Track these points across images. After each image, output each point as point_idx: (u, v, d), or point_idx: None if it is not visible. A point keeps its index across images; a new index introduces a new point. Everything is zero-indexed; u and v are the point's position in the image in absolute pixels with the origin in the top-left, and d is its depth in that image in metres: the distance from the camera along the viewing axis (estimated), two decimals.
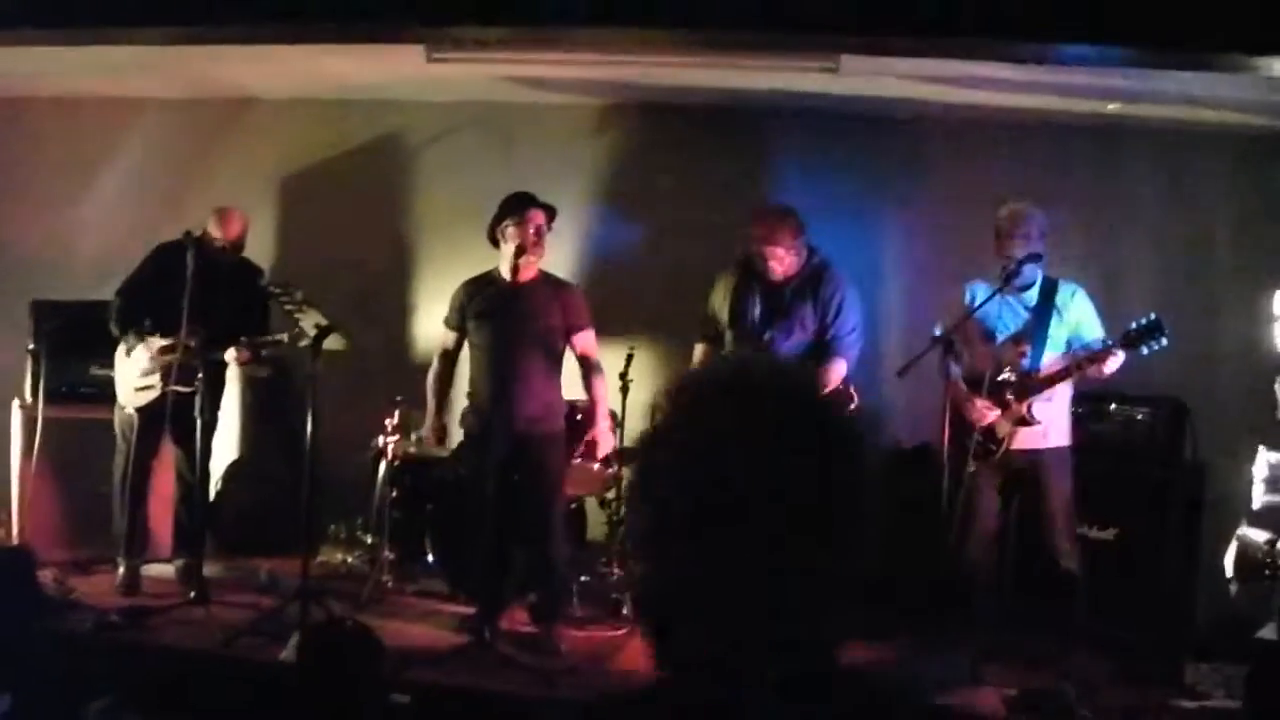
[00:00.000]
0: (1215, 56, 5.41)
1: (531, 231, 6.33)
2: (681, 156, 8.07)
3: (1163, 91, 6.48)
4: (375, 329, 8.00)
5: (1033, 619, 6.58)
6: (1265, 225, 6.98)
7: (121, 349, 6.96)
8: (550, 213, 6.44)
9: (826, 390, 6.29)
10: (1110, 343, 5.84)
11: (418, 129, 8.43)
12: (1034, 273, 6.12)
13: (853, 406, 6.27)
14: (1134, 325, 5.73)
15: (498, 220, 6.43)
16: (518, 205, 6.40)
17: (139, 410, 6.90)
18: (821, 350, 6.51)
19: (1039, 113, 7.30)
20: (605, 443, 6.68)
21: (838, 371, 6.46)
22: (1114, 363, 5.84)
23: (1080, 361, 5.90)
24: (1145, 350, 5.71)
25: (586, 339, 6.62)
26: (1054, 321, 6.06)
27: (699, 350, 6.92)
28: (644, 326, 7.81)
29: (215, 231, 6.95)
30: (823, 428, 1.78)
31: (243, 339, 6.77)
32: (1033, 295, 6.14)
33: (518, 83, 7.68)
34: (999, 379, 6.08)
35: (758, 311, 6.61)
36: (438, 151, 8.40)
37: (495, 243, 6.46)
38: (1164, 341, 5.67)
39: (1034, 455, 6.11)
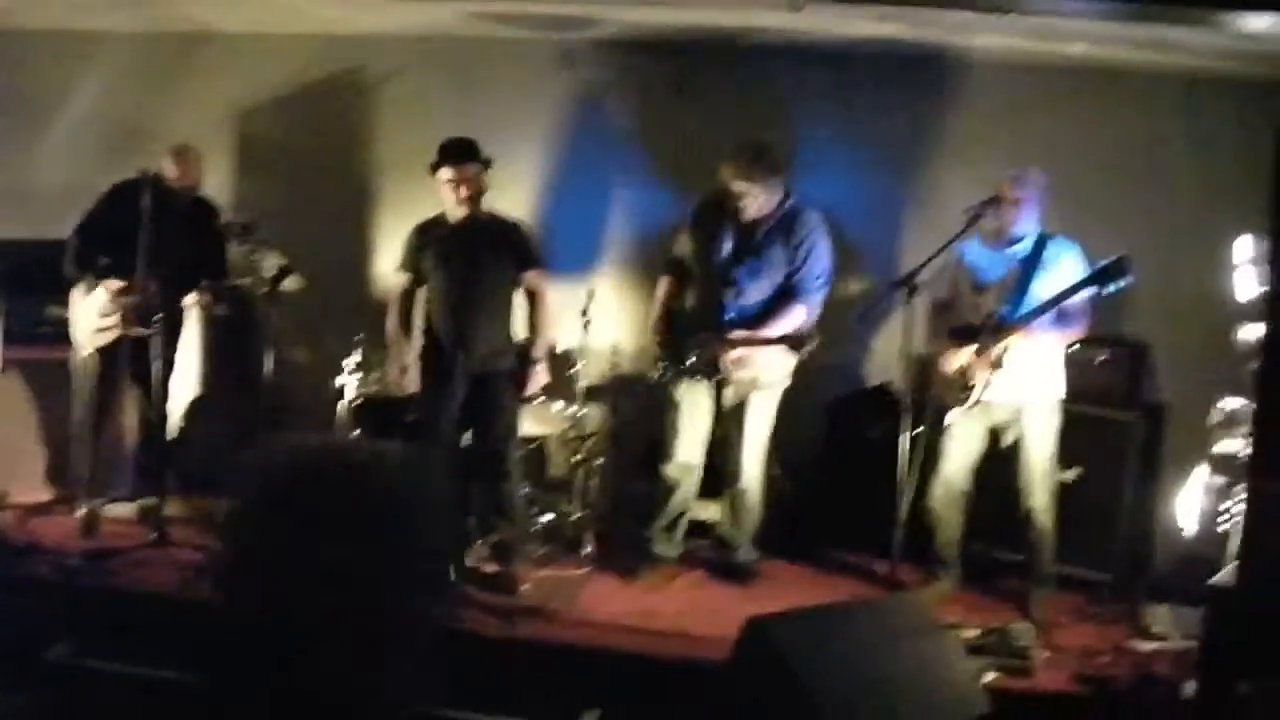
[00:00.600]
0: (1184, 11, 5.40)
1: (460, 179, 6.36)
2: (646, 94, 7.99)
3: (1129, 35, 6.45)
4: (335, 266, 7.94)
5: (999, 562, 6.69)
6: (1229, 170, 6.97)
7: (78, 290, 6.88)
8: (479, 158, 6.42)
9: (783, 333, 6.31)
10: (1078, 283, 5.86)
11: (377, 64, 8.30)
12: (1028, 226, 6.14)
13: (810, 346, 6.22)
14: (1099, 264, 5.77)
15: (432, 166, 6.46)
16: (444, 152, 6.44)
17: (98, 351, 6.85)
18: (785, 293, 6.47)
19: (1000, 52, 7.26)
20: (535, 382, 6.64)
21: (795, 317, 6.42)
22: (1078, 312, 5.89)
23: (1050, 302, 5.90)
24: (1111, 288, 5.73)
25: (537, 276, 6.62)
26: (1040, 275, 6.06)
27: (662, 284, 6.88)
28: (605, 264, 7.78)
29: (170, 170, 6.84)
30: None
31: (204, 282, 6.70)
32: (1025, 248, 6.15)
33: (479, 18, 7.57)
34: (977, 326, 6.13)
35: (727, 250, 6.55)
36: (397, 87, 8.28)
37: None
38: (1127, 280, 5.70)
39: (1018, 406, 6.17)
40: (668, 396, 6.70)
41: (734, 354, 6.36)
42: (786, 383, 6.58)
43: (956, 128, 7.50)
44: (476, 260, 6.32)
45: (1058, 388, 6.24)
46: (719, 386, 6.57)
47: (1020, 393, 6.12)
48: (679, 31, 7.56)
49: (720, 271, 6.54)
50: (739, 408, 6.58)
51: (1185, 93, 7.17)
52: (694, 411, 6.64)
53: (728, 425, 6.64)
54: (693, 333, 6.55)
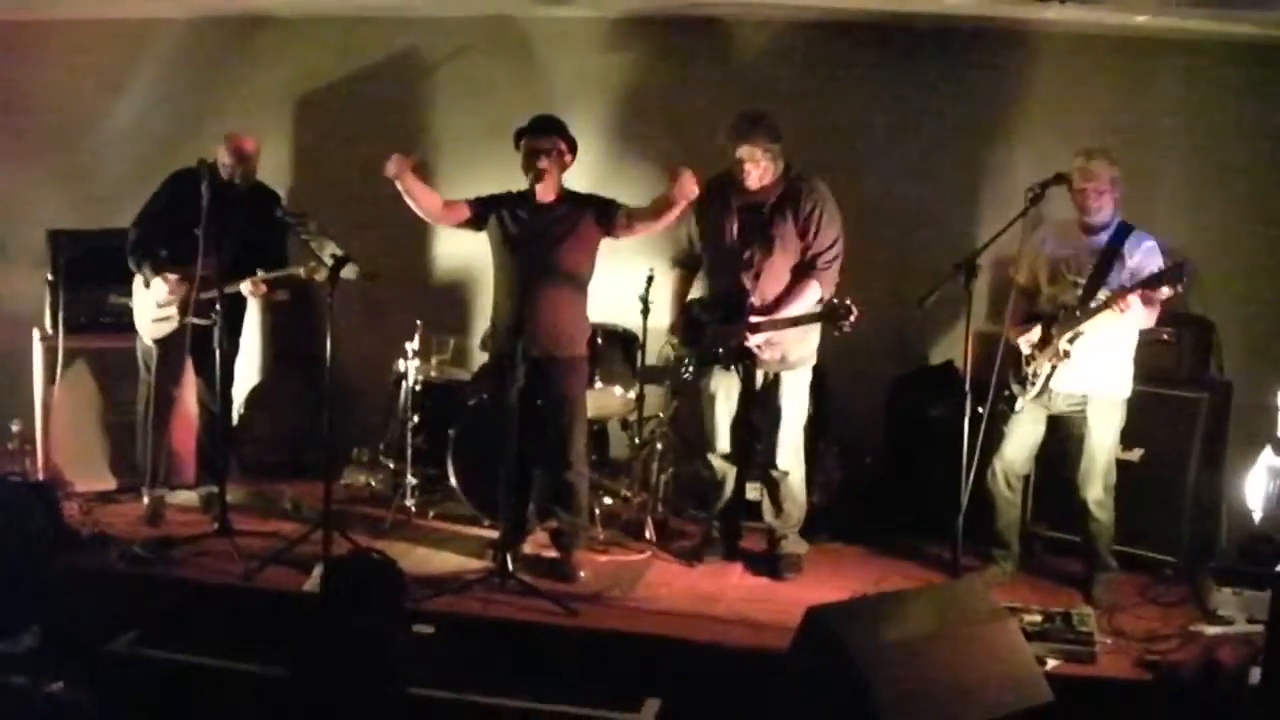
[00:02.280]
0: None
1: (536, 149, 6.26)
2: (704, 70, 7.92)
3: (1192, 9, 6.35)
4: (394, 251, 7.95)
5: (1061, 543, 6.63)
6: None
7: (139, 281, 6.94)
8: (558, 131, 6.32)
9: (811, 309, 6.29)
10: (1134, 285, 5.74)
11: (433, 46, 8.29)
12: (1111, 217, 6.01)
13: (853, 318, 6.06)
14: (1156, 270, 5.71)
15: (516, 137, 6.36)
16: (528, 126, 6.34)
17: (157, 342, 6.90)
18: (801, 269, 6.37)
19: (1062, 24, 7.14)
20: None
21: (810, 295, 6.33)
22: (1141, 308, 5.78)
23: (1109, 300, 5.78)
24: (1166, 292, 5.67)
25: (626, 212, 6.40)
26: (1116, 267, 5.94)
27: (673, 278, 6.85)
28: (665, 247, 7.72)
29: (225, 158, 6.86)
30: None
31: (258, 272, 6.72)
32: (1103, 238, 6.02)
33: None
34: (1049, 314, 6.06)
35: (735, 230, 6.45)
36: (453, 68, 8.27)
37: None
38: (1180, 288, 5.65)
39: (1082, 397, 6.10)
40: (701, 389, 6.67)
41: (758, 338, 6.28)
42: (813, 360, 6.53)
43: (1019, 102, 7.40)
44: (546, 242, 6.24)
45: (1124, 384, 6.12)
46: (747, 372, 6.51)
47: (1086, 384, 6.04)
48: (733, 6, 7.50)
49: (732, 252, 6.46)
50: (772, 391, 6.51)
51: (1253, 64, 7.03)
52: (729, 401, 6.60)
53: (760, 410, 6.58)
54: (716, 322, 6.48)
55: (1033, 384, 6.06)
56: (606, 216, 6.37)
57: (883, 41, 7.62)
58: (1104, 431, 6.11)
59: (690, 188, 6.02)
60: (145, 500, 7.02)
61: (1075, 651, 5.37)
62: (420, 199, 6.41)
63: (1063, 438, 6.26)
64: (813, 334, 6.42)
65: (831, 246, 6.34)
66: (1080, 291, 5.97)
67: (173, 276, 6.76)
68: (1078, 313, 5.90)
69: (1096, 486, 6.16)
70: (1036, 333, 6.04)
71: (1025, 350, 6.08)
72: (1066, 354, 5.92)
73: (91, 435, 7.49)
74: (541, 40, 8.10)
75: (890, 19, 7.36)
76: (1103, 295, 5.87)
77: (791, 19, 7.61)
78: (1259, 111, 7.01)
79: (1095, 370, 6.01)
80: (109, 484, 7.43)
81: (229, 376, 7.04)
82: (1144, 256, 5.92)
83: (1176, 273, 5.61)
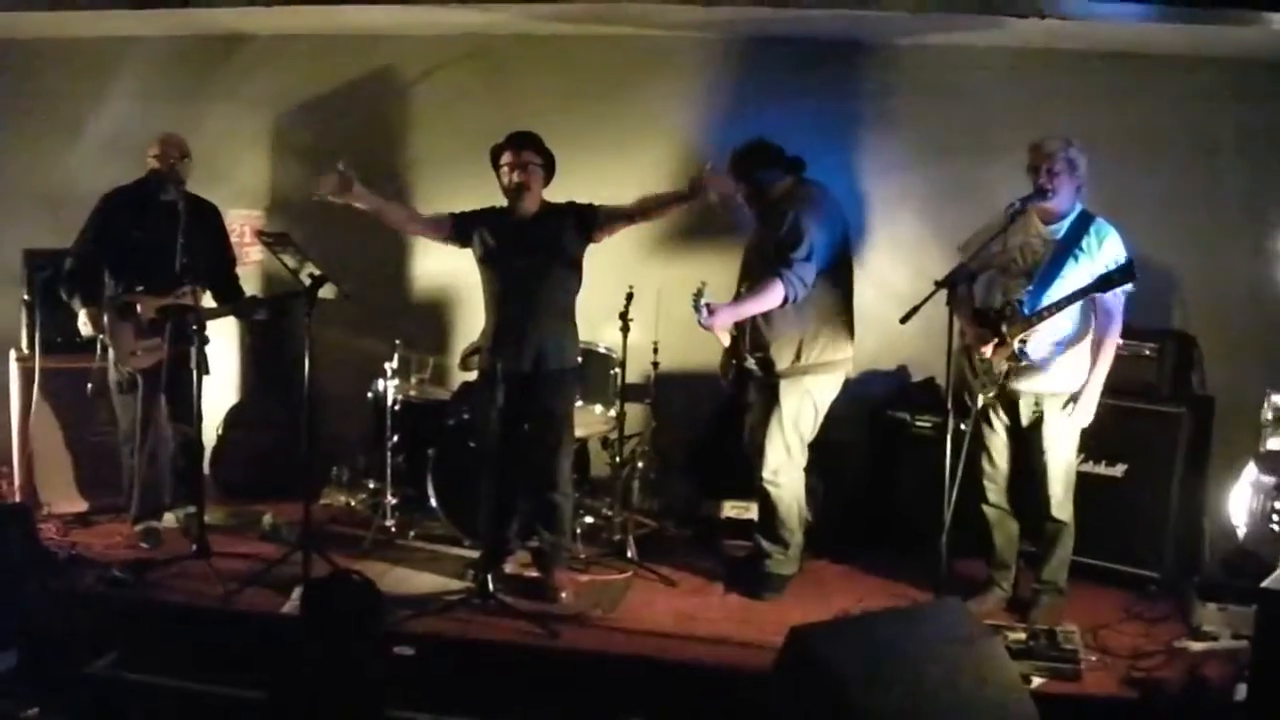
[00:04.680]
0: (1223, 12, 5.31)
1: (514, 164, 6.26)
2: (679, 86, 7.92)
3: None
4: (372, 270, 7.93)
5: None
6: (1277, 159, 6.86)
7: (113, 311, 6.76)
8: (536, 146, 6.31)
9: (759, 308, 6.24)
10: (1083, 289, 5.59)
11: (410, 63, 8.28)
12: (1071, 205, 5.86)
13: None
14: (1106, 269, 5.54)
15: (493, 152, 6.38)
16: (505, 141, 6.34)
17: (141, 372, 6.79)
18: (769, 266, 6.24)
19: (1041, 38, 7.13)
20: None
21: (771, 291, 6.16)
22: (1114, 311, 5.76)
23: (1062, 301, 5.63)
24: (1119, 292, 5.58)
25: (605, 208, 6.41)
26: (1074, 260, 5.77)
27: None
28: (641, 264, 7.70)
29: (171, 156, 6.83)
30: None
31: (185, 287, 6.63)
32: (1061, 229, 5.86)
33: (508, 13, 7.50)
34: (997, 310, 5.89)
35: (751, 238, 6.57)
36: (431, 86, 8.26)
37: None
38: (1130, 286, 5.51)
39: (1039, 397, 5.95)
40: None
41: (717, 318, 6.22)
42: (816, 372, 6.39)
43: (999, 117, 7.36)
44: (529, 256, 6.24)
45: (1077, 379, 5.90)
46: (749, 378, 6.52)
47: (1040, 383, 5.89)
48: (709, 23, 7.50)
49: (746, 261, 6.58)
50: (764, 401, 6.47)
51: (1233, 79, 7.02)
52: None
53: (754, 420, 6.57)
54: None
55: (992, 384, 5.89)
56: (586, 221, 6.37)
57: (849, 58, 7.64)
58: (1060, 429, 5.95)
59: (709, 183, 6.05)
60: (139, 528, 6.93)
61: (1060, 669, 5.36)
62: (384, 213, 6.47)
63: (1030, 448, 6.09)
64: (810, 346, 6.33)
65: (799, 246, 6.15)
66: (1032, 286, 5.80)
67: (121, 325, 6.72)
68: (1027, 316, 5.72)
69: (1058, 484, 5.98)
70: (993, 340, 5.85)
71: (979, 353, 5.89)
72: (1023, 353, 5.79)
73: (68, 456, 7.43)
74: (516, 55, 8.07)
75: (869, 37, 7.37)
76: (1056, 292, 5.72)
77: (759, 33, 7.61)
78: (1243, 124, 7.00)
79: (1053, 367, 5.86)
80: (85, 505, 7.38)
81: (198, 396, 6.93)
82: (1109, 251, 5.75)
83: (1126, 272, 5.46)
